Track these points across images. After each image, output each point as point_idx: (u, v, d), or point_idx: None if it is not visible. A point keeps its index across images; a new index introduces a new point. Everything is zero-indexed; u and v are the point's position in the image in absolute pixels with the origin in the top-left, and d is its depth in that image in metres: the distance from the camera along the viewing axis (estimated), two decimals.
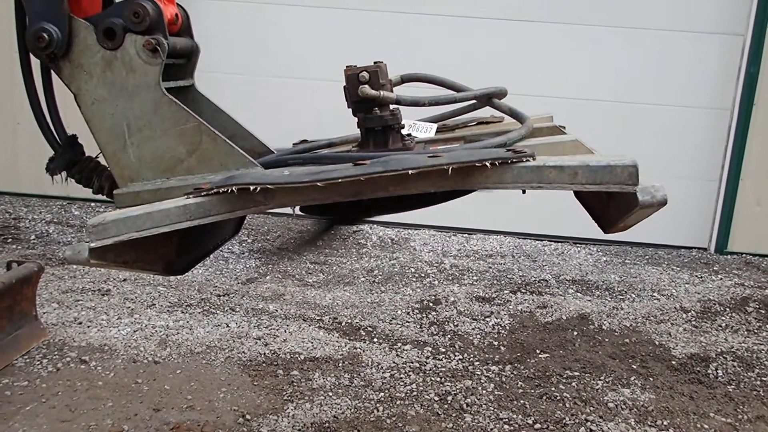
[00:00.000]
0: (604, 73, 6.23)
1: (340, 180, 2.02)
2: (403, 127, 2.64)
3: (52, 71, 2.57)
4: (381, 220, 6.38)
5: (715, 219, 6.29)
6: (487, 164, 1.98)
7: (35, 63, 2.62)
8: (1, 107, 6.51)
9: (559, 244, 6.29)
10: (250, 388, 3.47)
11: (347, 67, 2.58)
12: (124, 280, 4.77)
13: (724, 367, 3.92)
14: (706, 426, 3.34)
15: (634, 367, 3.88)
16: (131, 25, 2.42)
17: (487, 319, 4.47)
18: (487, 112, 2.87)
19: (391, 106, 2.57)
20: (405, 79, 2.81)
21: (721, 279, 5.53)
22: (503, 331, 4.30)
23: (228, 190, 2.10)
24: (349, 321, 4.34)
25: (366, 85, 2.50)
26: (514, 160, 2.00)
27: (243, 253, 5.61)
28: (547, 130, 2.74)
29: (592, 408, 3.42)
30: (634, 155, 2.08)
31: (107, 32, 2.43)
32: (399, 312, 4.55)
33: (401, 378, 3.65)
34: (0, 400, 3.24)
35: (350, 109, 2.64)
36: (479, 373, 3.74)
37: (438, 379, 3.66)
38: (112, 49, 2.44)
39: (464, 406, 3.39)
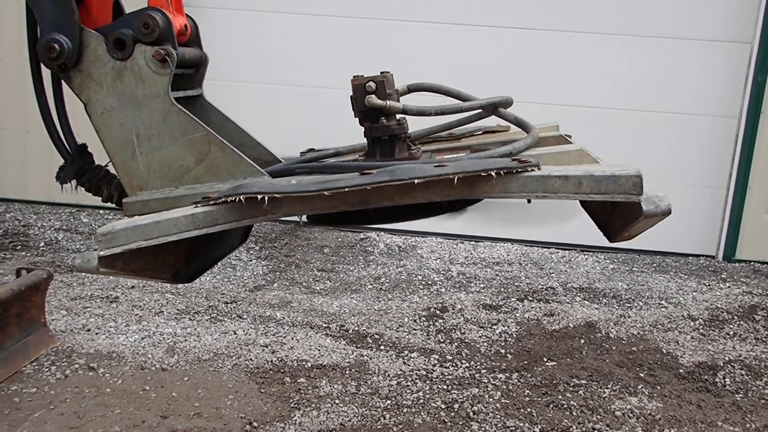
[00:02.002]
0: (612, 81, 6.24)
1: (346, 189, 2.03)
2: (409, 137, 2.64)
3: (63, 81, 2.59)
4: (388, 227, 6.39)
5: (723, 227, 6.28)
6: (493, 174, 1.99)
7: (46, 73, 2.65)
8: (12, 116, 6.57)
9: (567, 251, 6.29)
10: (257, 396, 3.49)
11: (354, 77, 2.59)
12: (132, 287, 4.80)
13: (732, 375, 3.91)
14: None
15: (642, 375, 3.87)
16: (141, 36, 2.43)
17: (494, 327, 4.47)
18: (493, 121, 2.87)
19: (398, 116, 2.58)
20: (411, 89, 2.81)
21: (729, 287, 5.51)
22: (510, 339, 4.31)
23: (236, 199, 2.12)
24: (356, 328, 4.36)
25: (373, 95, 2.51)
26: (519, 170, 2.01)
27: (251, 261, 5.63)
28: (553, 140, 2.74)
29: (599, 416, 3.41)
30: (641, 163, 2.09)
31: (117, 43, 2.45)
32: (406, 319, 4.55)
33: (408, 386, 3.66)
34: (9, 406, 3.26)
35: (357, 119, 2.65)
36: (486, 380, 3.75)
37: (445, 386, 3.66)
38: (122, 60, 2.45)
39: (471, 414, 3.39)
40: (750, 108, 6.03)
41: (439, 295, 5.03)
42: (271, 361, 3.84)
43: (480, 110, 2.73)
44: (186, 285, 4.84)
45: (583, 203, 2.45)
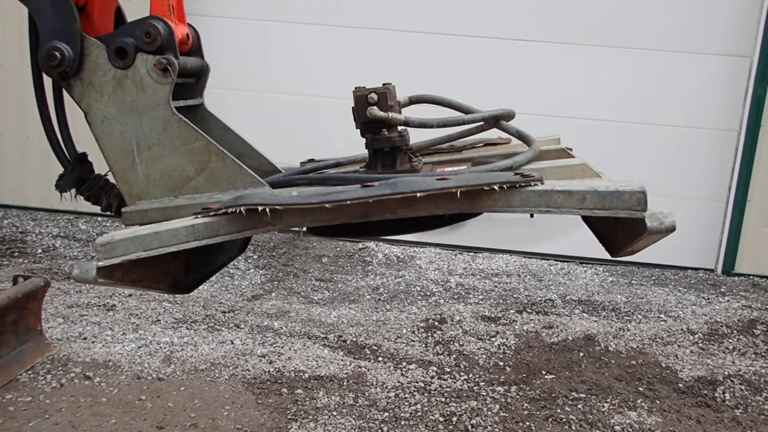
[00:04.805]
0: (612, 94, 6.24)
1: (348, 202, 2.02)
2: (411, 149, 2.64)
3: (64, 89, 2.58)
4: (387, 237, 6.37)
5: (722, 240, 6.27)
6: (495, 188, 1.98)
7: (47, 80, 2.64)
8: (11, 122, 6.55)
9: (565, 263, 6.28)
10: (254, 407, 3.46)
11: (356, 88, 2.58)
12: (130, 295, 4.78)
13: (732, 390, 3.89)
14: None
15: (641, 389, 3.85)
16: (143, 45, 2.43)
17: (493, 339, 4.45)
18: (494, 133, 2.87)
19: (399, 128, 2.57)
20: (413, 101, 2.81)
21: (728, 301, 5.50)
22: (509, 352, 4.28)
23: (236, 210, 2.11)
24: (354, 339, 4.33)
25: (374, 107, 2.50)
26: (522, 184, 2.00)
27: (249, 270, 5.61)
28: (555, 153, 2.73)
29: (598, 431, 3.39)
30: (640, 176, 2.08)
31: (119, 51, 2.44)
32: (404, 331, 4.53)
33: (406, 398, 3.63)
34: (3, 415, 3.23)
35: (358, 130, 2.64)
36: (484, 393, 3.72)
37: (443, 399, 3.64)
38: (123, 68, 2.45)
39: (469, 427, 3.37)
40: (750, 121, 6.03)
41: (437, 307, 5.01)
42: (269, 371, 3.82)
43: (482, 123, 2.73)
44: (184, 294, 4.81)
45: (585, 217, 2.44)
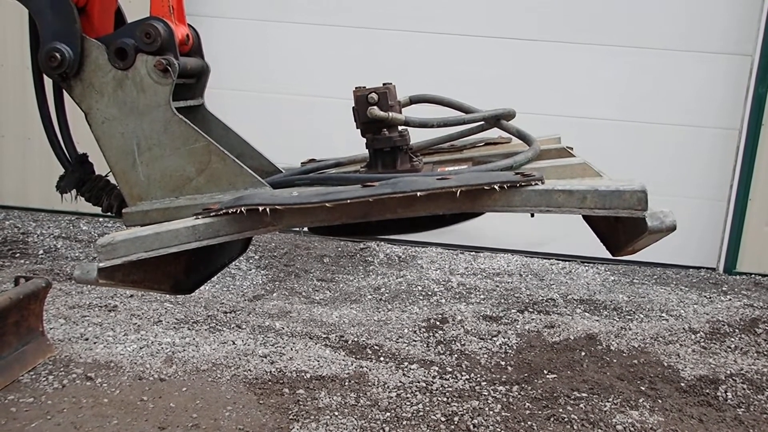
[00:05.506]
0: (613, 93, 6.24)
1: (348, 201, 2.02)
2: (411, 148, 2.63)
3: (64, 90, 2.58)
4: (388, 237, 6.37)
5: (724, 239, 6.26)
6: (496, 187, 1.98)
7: (48, 81, 2.64)
8: (12, 123, 6.56)
9: (567, 262, 6.27)
10: (255, 407, 3.46)
11: (356, 88, 2.58)
12: (131, 296, 4.78)
13: (734, 389, 3.89)
14: None
15: (643, 388, 3.85)
16: (143, 46, 2.43)
17: (495, 339, 4.45)
18: (495, 132, 2.86)
19: (400, 127, 2.57)
20: (414, 100, 2.80)
21: (730, 300, 5.49)
22: (510, 351, 4.28)
23: (237, 210, 2.10)
24: (356, 339, 4.33)
25: (375, 107, 2.50)
26: (523, 184, 1.99)
27: (250, 270, 5.61)
28: (555, 152, 2.73)
29: (600, 430, 3.39)
30: (643, 177, 2.08)
31: (119, 52, 2.44)
32: (406, 330, 4.53)
33: (408, 398, 3.63)
34: (5, 416, 3.24)
35: (359, 130, 2.64)
36: (486, 393, 3.72)
37: (445, 399, 3.64)
38: (124, 69, 2.45)
39: (471, 427, 3.36)
40: (751, 120, 6.02)
41: (439, 306, 5.01)
42: (270, 371, 3.82)
43: (482, 122, 2.72)
44: (185, 295, 4.81)
45: (586, 217, 2.43)
